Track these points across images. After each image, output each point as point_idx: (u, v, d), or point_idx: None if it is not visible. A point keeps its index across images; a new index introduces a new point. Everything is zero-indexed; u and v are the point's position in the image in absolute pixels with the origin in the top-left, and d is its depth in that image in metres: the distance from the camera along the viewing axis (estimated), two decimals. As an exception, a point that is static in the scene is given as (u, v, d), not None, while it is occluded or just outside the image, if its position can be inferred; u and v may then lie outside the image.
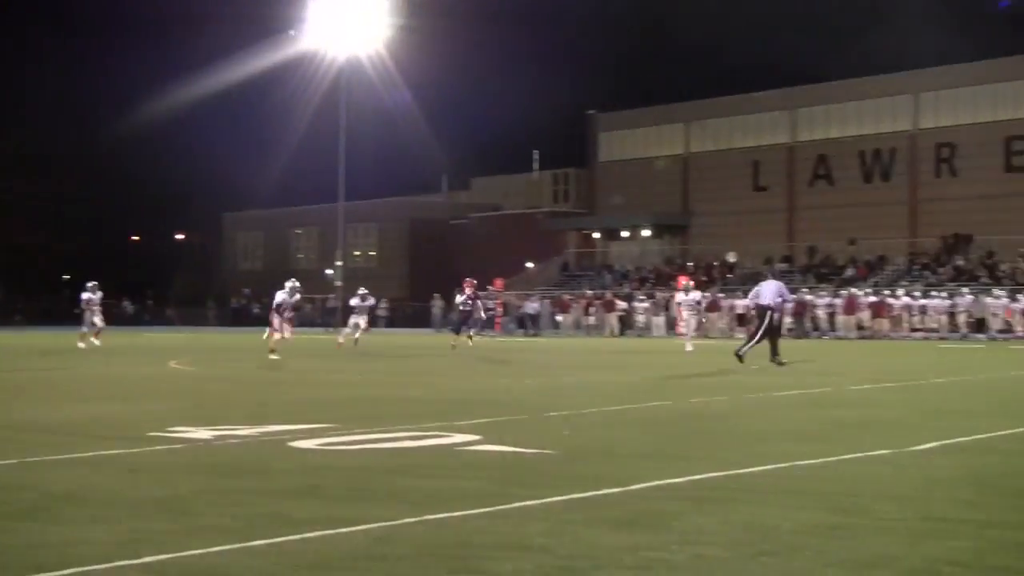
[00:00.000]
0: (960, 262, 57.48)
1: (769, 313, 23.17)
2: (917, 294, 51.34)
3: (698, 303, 37.42)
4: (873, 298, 50.66)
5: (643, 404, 14.85)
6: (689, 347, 33.39)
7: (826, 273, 61.11)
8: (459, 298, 32.96)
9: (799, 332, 49.86)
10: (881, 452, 9.76)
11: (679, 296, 36.37)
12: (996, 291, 48.32)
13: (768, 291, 23.96)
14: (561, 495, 7.49)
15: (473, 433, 11.10)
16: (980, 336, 46.87)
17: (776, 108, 70.13)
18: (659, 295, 57.39)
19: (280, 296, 29.38)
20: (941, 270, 57.37)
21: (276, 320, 29.10)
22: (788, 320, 50.02)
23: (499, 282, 61.24)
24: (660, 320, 55.05)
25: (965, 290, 49.89)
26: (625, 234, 75.25)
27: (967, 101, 63.28)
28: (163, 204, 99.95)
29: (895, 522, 6.68)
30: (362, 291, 35.73)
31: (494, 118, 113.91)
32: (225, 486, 8.02)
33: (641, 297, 58.05)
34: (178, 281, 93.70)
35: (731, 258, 64.88)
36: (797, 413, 13.83)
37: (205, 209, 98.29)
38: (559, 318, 57.99)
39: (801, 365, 25.48)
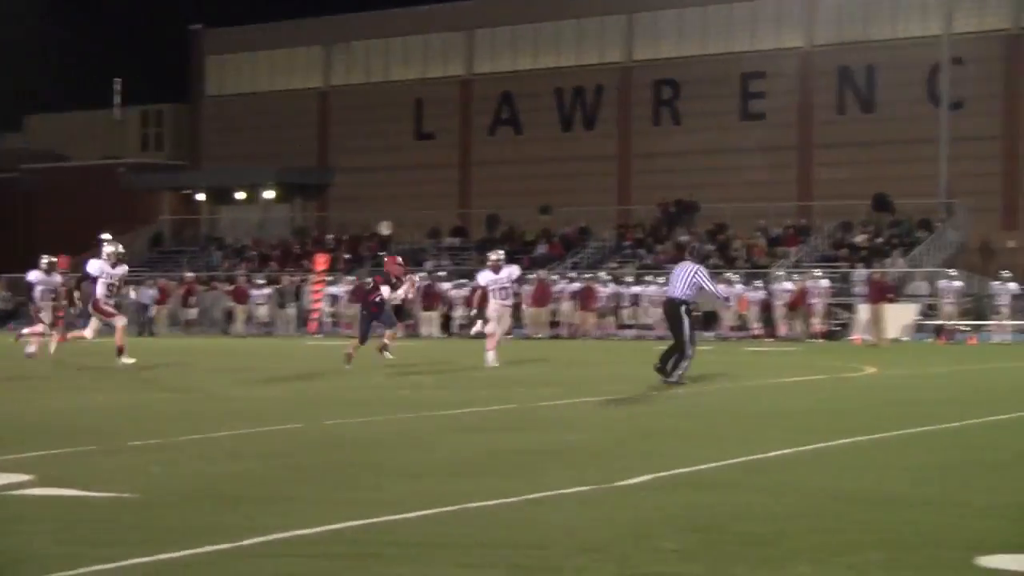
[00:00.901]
0: (684, 237, 59.61)
1: (683, 309, 22.10)
2: (629, 279, 53.03)
3: (505, 289, 29.49)
4: (573, 285, 51.95)
5: (265, 428, 14.81)
6: (492, 358, 28.30)
7: (511, 251, 62.31)
8: (388, 292, 27.52)
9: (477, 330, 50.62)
10: (577, 489, 10.05)
11: (483, 277, 29.57)
12: (728, 275, 50.26)
13: (678, 278, 22.67)
14: (147, 555, 7.41)
15: (22, 472, 10.84)
16: (708, 334, 48.76)
17: (447, 28, 70.86)
18: (286, 280, 57.30)
19: (97, 268, 26.17)
20: (659, 248, 59.35)
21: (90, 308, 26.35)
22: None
23: (64, 260, 59.77)
24: (290, 313, 55.05)
25: (690, 274, 51.73)
26: (240, 196, 74.77)
27: (694, 26, 65.42)
28: None
29: (592, 581, 6.89)
30: (49, 260, 31.73)
31: (57, 33, 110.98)
32: None
33: (261, 281, 57.66)
34: None
35: (385, 230, 65.31)
36: (468, 438, 14.07)
37: None
38: (151, 311, 57.15)
39: (474, 374, 25.96)
